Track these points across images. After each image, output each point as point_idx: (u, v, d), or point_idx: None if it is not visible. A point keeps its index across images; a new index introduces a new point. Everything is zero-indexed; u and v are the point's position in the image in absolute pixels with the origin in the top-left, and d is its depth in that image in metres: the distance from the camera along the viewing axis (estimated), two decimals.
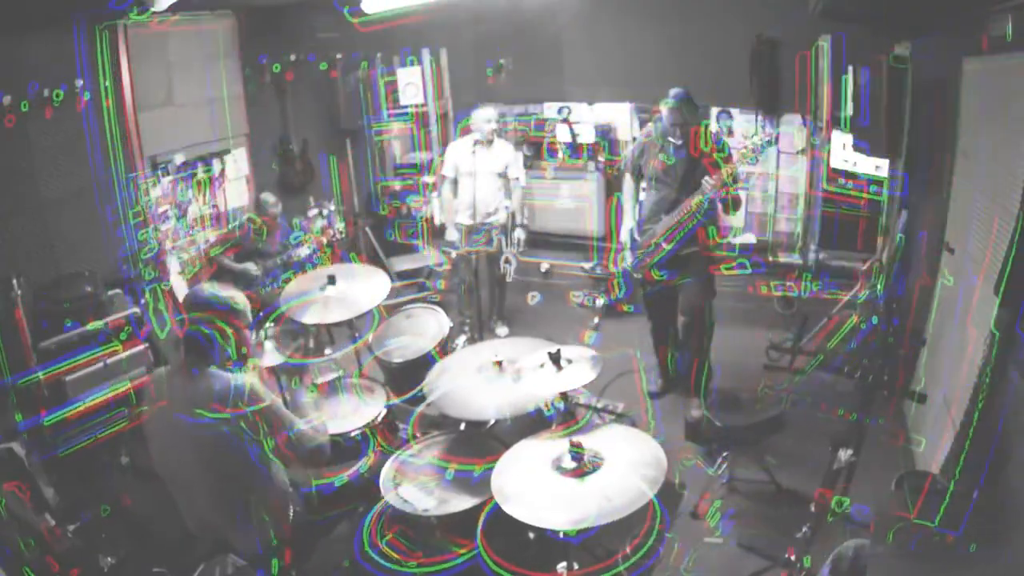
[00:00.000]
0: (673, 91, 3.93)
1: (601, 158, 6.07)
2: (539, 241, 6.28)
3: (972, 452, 2.77)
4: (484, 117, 5.05)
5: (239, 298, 2.54)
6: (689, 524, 3.42)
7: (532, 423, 3.06)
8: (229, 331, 2.43)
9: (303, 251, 5.23)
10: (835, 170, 5.24)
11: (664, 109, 3.95)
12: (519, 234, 5.25)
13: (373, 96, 6.60)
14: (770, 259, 5.55)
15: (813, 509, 3.01)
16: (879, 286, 4.64)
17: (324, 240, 5.31)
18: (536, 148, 6.31)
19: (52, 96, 4.20)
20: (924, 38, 4.19)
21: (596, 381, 2.97)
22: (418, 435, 3.22)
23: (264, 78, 5.78)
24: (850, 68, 4.79)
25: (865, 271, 4.83)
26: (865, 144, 4.56)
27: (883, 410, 3.63)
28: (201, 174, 5.41)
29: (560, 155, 6.19)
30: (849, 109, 4.85)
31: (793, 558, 2.87)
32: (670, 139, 3.98)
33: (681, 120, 3.91)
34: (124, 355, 4.16)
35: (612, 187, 6.01)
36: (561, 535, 2.51)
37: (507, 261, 5.05)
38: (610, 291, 5.70)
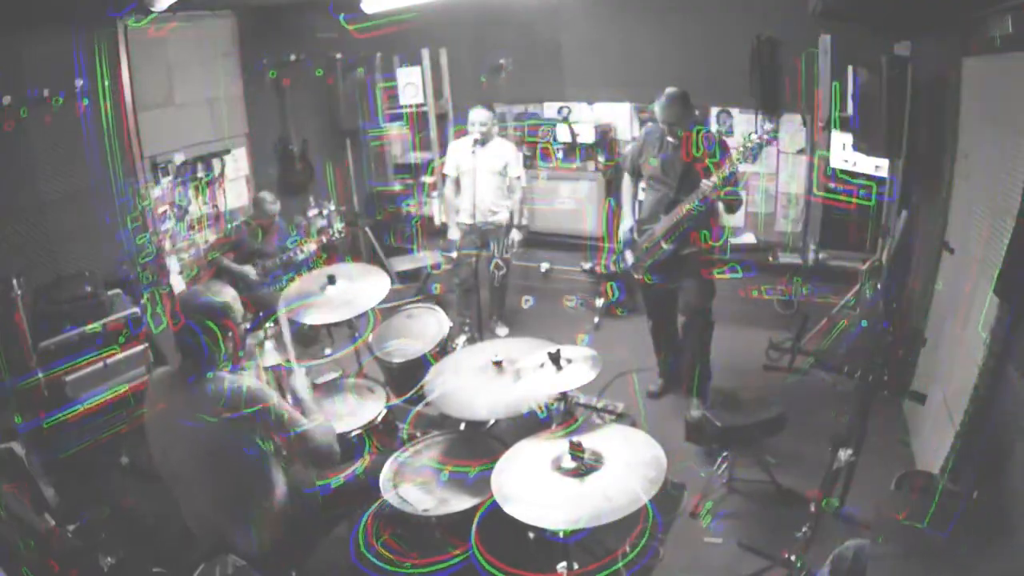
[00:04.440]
0: (667, 90, 3.90)
1: (600, 158, 6.06)
2: (538, 242, 6.26)
3: (965, 452, 2.76)
4: (477, 119, 5.03)
5: (228, 296, 2.48)
6: (689, 524, 3.42)
7: (533, 423, 3.06)
8: (220, 334, 2.40)
9: (303, 251, 5.22)
10: (835, 170, 5.25)
11: (657, 107, 3.93)
12: (515, 235, 5.25)
13: (369, 102, 6.61)
14: (770, 260, 5.54)
15: (813, 509, 3.01)
16: (877, 285, 4.63)
17: (323, 240, 5.32)
18: (531, 151, 6.29)
19: (52, 100, 4.20)
20: (924, 38, 4.18)
21: (591, 383, 2.95)
22: (416, 435, 3.21)
23: (263, 83, 5.80)
24: (849, 68, 4.81)
25: (866, 271, 4.82)
26: (866, 143, 4.57)
27: (883, 410, 3.62)
28: (201, 174, 5.41)
29: (553, 160, 6.19)
30: (848, 109, 4.87)
31: (793, 558, 2.87)
32: (667, 138, 3.97)
33: (674, 119, 3.87)
34: (124, 355, 4.17)
35: (611, 187, 6.00)
36: (561, 535, 2.51)
37: (498, 268, 4.99)
38: (604, 294, 5.69)
